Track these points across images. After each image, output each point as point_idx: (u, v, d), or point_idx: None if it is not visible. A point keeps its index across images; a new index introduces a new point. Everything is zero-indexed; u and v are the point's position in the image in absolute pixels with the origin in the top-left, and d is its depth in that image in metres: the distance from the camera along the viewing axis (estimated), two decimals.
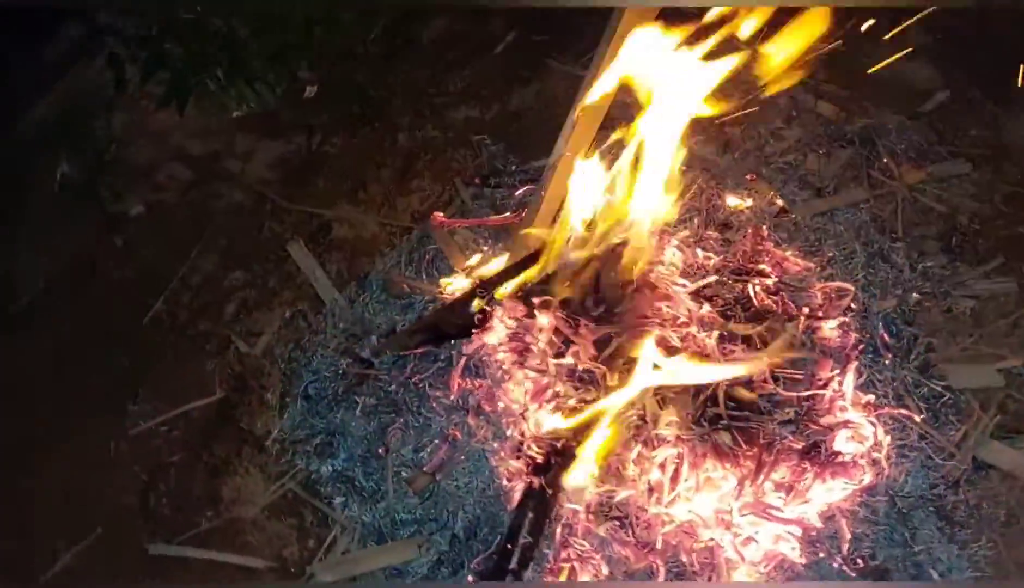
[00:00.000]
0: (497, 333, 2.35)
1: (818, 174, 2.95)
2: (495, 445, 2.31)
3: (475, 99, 3.48)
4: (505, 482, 2.27)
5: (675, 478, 2.09)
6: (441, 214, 2.98)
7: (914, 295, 2.60)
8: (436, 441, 2.40)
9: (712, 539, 2.10)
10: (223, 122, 3.47)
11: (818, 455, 2.16)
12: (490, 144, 3.29)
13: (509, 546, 2.06)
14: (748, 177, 2.94)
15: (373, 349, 2.62)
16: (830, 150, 3.00)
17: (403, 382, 2.52)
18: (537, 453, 2.18)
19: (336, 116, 3.47)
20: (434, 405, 2.44)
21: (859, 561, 2.17)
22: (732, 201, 2.84)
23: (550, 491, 2.09)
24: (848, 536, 2.17)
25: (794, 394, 2.19)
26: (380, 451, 2.41)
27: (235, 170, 3.32)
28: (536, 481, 2.10)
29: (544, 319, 2.24)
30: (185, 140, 3.44)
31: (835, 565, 2.14)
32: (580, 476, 2.09)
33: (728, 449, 2.11)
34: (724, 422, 2.11)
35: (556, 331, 2.23)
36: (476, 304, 2.38)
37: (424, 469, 2.36)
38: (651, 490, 2.11)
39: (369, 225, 3.07)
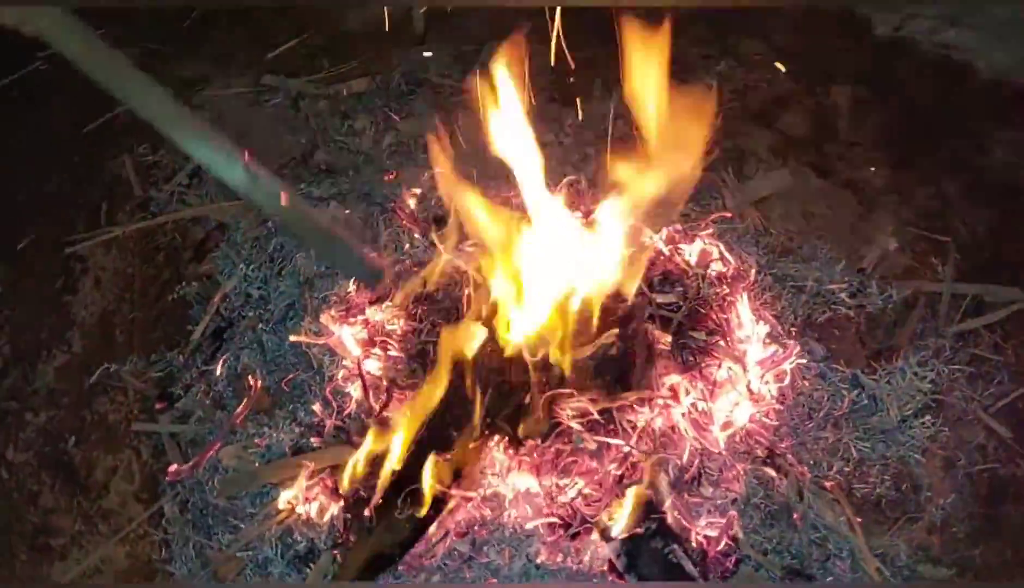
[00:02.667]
0: None
1: None
2: (533, 527, 1.93)
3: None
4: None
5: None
6: (172, 466, 2.23)
7: None
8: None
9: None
10: None
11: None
12: (111, 367, 2.51)
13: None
14: None
15: None
16: None
17: None
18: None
19: None
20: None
21: None
22: None
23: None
24: None
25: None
26: None
27: None
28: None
29: None
30: None
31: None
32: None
33: (703, 344, 2.08)
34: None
35: None
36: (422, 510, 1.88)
37: None
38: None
39: (114, 552, 2.18)
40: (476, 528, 1.96)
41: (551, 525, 1.93)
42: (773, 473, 2.04)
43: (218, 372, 2.41)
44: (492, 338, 1.93)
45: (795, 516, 2.01)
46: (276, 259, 2.64)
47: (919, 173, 2.73)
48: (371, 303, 2.31)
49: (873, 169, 2.75)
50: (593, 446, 1.89)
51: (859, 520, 2.03)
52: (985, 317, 2.39)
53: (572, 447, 1.90)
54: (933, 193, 2.69)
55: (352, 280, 2.34)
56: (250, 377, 2.36)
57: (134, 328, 2.63)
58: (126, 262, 2.79)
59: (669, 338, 2.00)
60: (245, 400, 2.31)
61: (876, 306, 2.43)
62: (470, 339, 1.90)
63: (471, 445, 1.88)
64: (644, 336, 1.96)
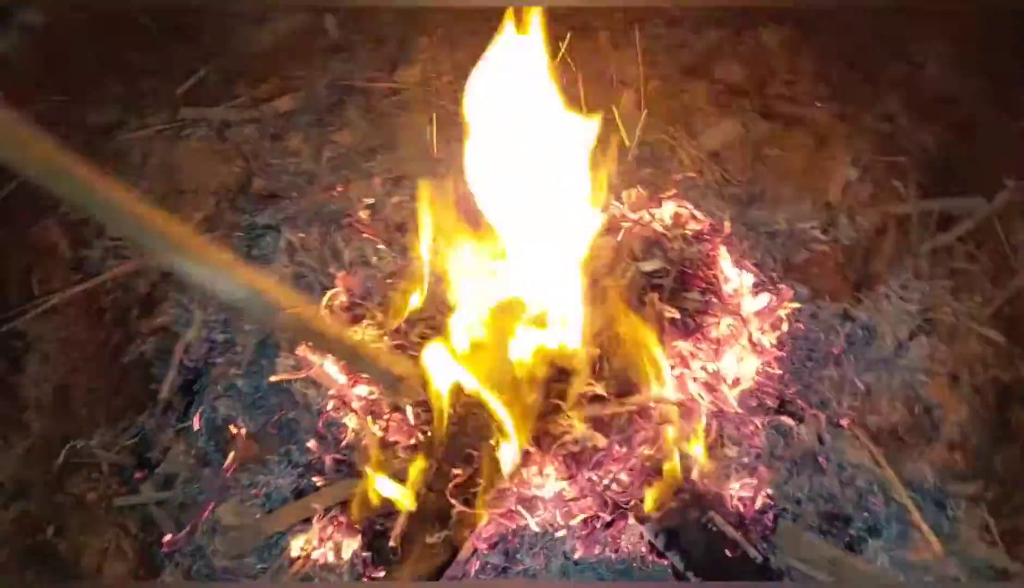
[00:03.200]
0: None
1: None
2: (565, 525, 1.86)
3: None
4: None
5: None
6: (167, 537, 2.09)
7: None
8: None
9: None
10: None
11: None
12: (78, 444, 2.30)
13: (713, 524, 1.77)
14: None
15: None
16: None
17: None
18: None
19: None
20: None
21: None
22: None
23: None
24: None
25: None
26: None
27: None
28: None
29: None
30: None
31: None
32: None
33: (699, 304, 2.03)
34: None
35: None
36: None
37: None
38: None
39: None
40: (508, 538, 1.88)
41: (584, 519, 1.87)
42: (789, 421, 2.02)
43: (196, 428, 2.26)
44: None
45: (820, 460, 1.99)
46: None
47: (862, 99, 2.74)
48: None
49: (818, 103, 2.76)
50: (616, 436, 1.83)
51: (881, 450, 2.02)
52: (955, 230, 2.41)
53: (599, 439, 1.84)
54: (879, 116, 2.70)
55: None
56: (232, 427, 2.23)
57: (94, 398, 2.45)
58: (71, 330, 2.59)
59: (676, 312, 1.94)
60: (232, 452, 2.19)
61: (849, 237, 2.43)
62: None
63: (494, 457, 1.80)
64: (652, 309, 1.90)
